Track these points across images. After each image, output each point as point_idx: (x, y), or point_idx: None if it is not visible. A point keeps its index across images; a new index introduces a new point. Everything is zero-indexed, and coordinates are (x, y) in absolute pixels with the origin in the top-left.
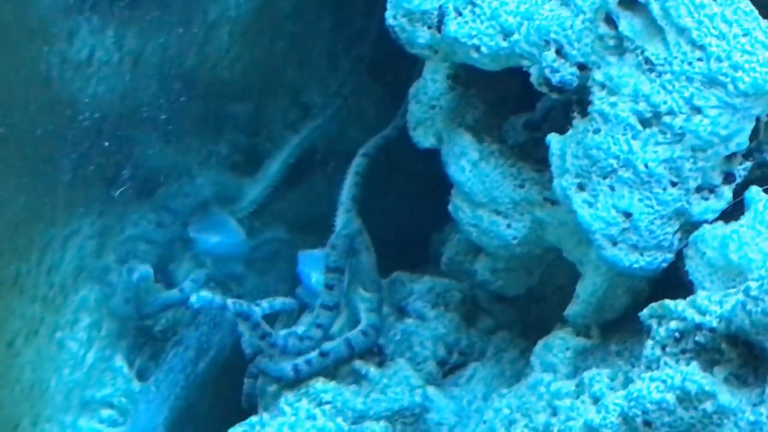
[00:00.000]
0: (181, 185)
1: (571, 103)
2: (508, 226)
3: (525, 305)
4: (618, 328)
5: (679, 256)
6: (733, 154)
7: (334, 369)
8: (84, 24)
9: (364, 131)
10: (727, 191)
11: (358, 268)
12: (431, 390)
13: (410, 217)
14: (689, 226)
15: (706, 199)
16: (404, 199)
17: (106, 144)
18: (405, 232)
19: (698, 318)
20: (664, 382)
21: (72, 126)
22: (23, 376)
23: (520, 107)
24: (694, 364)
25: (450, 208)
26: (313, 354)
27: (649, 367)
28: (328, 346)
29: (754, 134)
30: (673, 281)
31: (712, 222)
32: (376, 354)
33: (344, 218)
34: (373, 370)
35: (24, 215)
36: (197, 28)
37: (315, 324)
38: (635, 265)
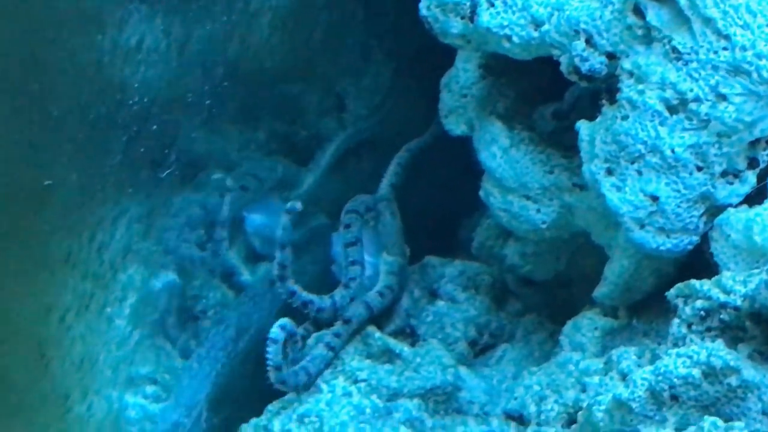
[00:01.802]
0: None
1: (599, 91)
2: (538, 210)
3: (552, 290)
4: (645, 309)
5: (704, 238)
6: (757, 140)
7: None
8: (134, 12)
9: (397, 122)
10: (751, 176)
11: (382, 232)
12: (463, 369)
13: (441, 204)
14: (714, 209)
15: (731, 183)
16: (435, 187)
17: (154, 128)
18: (436, 218)
19: (723, 297)
20: (690, 357)
21: (122, 110)
22: (74, 350)
23: (550, 96)
24: (719, 341)
25: (481, 193)
26: (337, 325)
27: (675, 344)
28: (348, 312)
29: None
30: (697, 264)
31: (736, 206)
32: (409, 334)
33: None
34: (406, 350)
35: (76, 195)
36: (240, 16)
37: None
38: (662, 247)
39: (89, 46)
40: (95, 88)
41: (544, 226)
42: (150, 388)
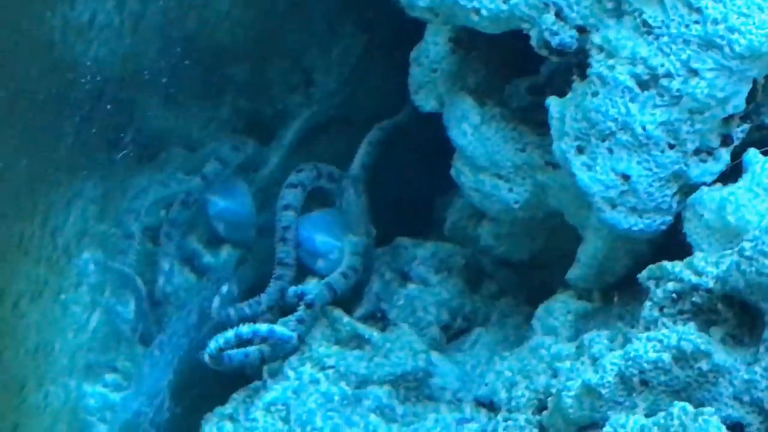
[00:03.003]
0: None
1: (570, 66)
2: (510, 190)
3: (529, 271)
4: (620, 291)
5: (679, 218)
6: (731, 117)
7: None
8: None
9: (368, 97)
10: (725, 153)
11: (347, 211)
12: (435, 355)
13: (417, 182)
14: (687, 188)
15: (704, 161)
16: (409, 164)
17: (108, 107)
18: (410, 197)
19: (695, 279)
20: (660, 341)
21: (74, 89)
22: (28, 338)
23: (523, 70)
24: (691, 324)
25: (452, 172)
26: (300, 310)
27: (647, 328)
28: (310, 295)
29: (752, 96)
30: (674, 245)
31: (710, 184)
32: (380, 319)
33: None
34: (376, 335)
35: (27, 178)
36: None
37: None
38: (634, 228)
39: (38, 24)
40: (45, 68)
41: (516, 205)
42: (110, 376)
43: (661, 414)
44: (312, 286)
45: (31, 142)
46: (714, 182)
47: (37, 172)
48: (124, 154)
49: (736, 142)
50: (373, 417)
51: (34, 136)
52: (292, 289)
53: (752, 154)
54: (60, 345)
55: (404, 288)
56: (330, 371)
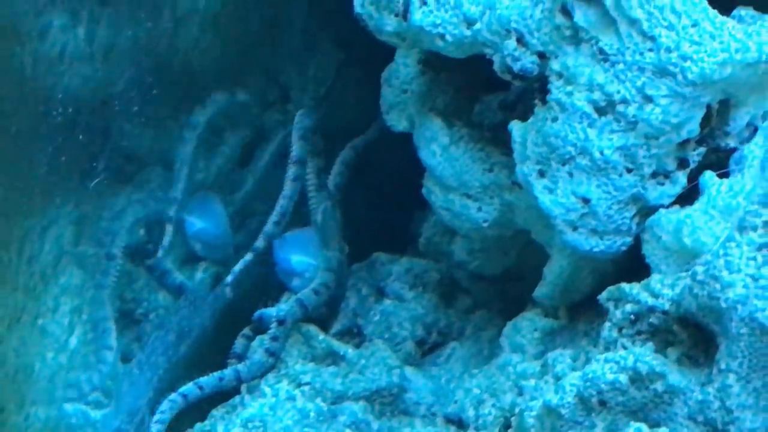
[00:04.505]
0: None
1: (533, 91)
2: (479, 209)
3: (504, 284)
4: (586, 309)
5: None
6: (687, 141)
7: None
8: (55, 22)
9: (345, 113)
10: (682, 176)
11: (322, 228)
12: (409, 370)
13: (395, 198)
14: (646, 210)
15: (662, 184)
16: (389, 180)
17: (80, 137)
18: (390, 213)
19: (651, 300)
20: (617, 363)
21: (46, 121)
22: (7, 362)
23: (492, 91)
24: (648, 345)
25: (423, 191)
26: (273, 327)
27: (607, 348)
28: (281, 311)
29: (707, 121)
30: (638, 264)
31: (668, 206)
32: (356, 334)
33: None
34: (351, 351)
35: (2, 208)
36: (166, 21)
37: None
38: (595, 249)
39: (9, 59)
40: (17, 101)
41: (485, 224)
42: (90, 395)
43: None
44: (283, 304)
45: (4, 173)
46: (672, 204)
47: (12, 201)
48: (99, 181)
49: (693, 165)
50: None
51: (7, 167)
52: (257, 313)
53: (708, 176)
54: (40, 367)
55: (380, 304)
56: (306, 388)
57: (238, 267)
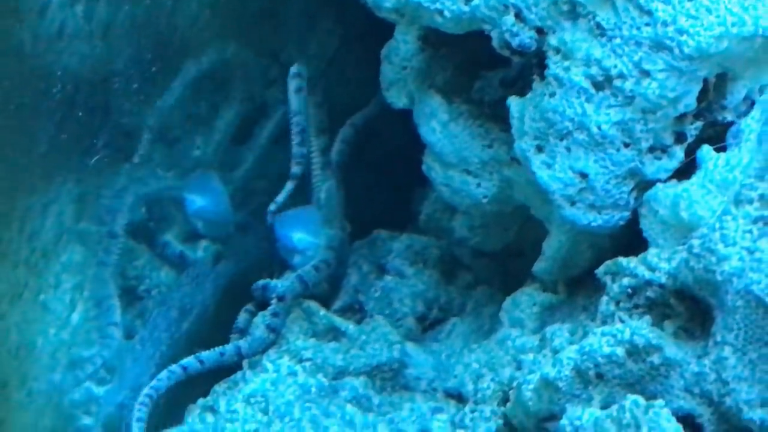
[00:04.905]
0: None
1: (531, 66)
2: (478, 185)
3: (504, 260)
4: (585, 284)
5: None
6: (684, 115)
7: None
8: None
9: (345, 90)
10: (679, 151)
11: (323, 206)
12: (409, 345)
13: (398, 174)
14: (644, 185)
15: (659, 158)
16: (391, 157)
17: (80, 114)
18: (393, 188)
19: (648, 274)
20: (614, 336)
21: (46, 98)
22: (9, 338)
23: (492, 67)
24: (645, 318)
25: (423, 167)
26: (273, 303)
27: (604, 322)
28: (281, 287)
29: (704, 95)
30: (637, 237)
31: (665, 180)
32: (357, 311)
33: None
34: (351, 327)
35: (2, 185)
36: None
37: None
38: (593, 223)
39: (8, 36)
40: (17, 78)
41: (485, 200)
42: (93, 371)
43: (615, 407)
44: (284, 279)
45: (5, 150)
46: (670, 178)
47: (12, 179)
48: (99, 158)
49: (690, 140)
50: (349, 407)
51: (8, 145)
52: (256, 284)
53: (705, 151)
54: (42, 343)
55: (381, 280)
56: (307, 363)
57: (281, 197)
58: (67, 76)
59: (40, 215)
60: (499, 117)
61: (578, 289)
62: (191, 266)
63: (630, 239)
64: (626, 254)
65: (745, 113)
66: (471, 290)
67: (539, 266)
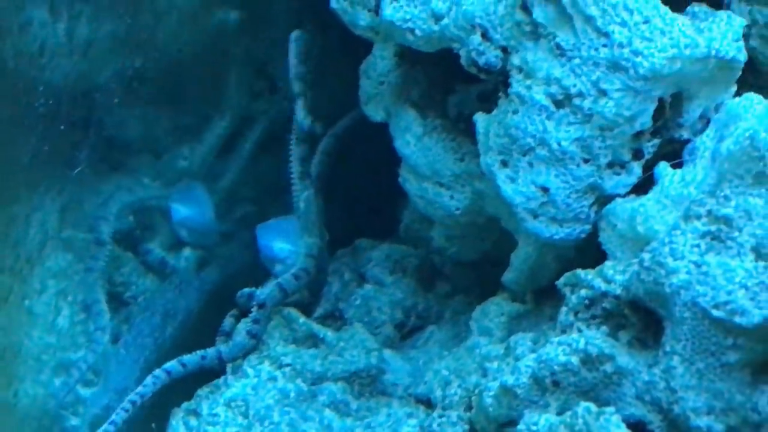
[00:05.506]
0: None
1: (498, 84)
2: (451, 197)
3: (482, 269)
4: (552, 294)
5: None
6: (640, 132)
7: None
8: (36, 17)
9: (330, 103)
10: (637, 167)
11: (303, 214)
12: (387, 352)
13: (383, 185)
14: (604, 199)
15: (618, 174)
16: (377, 167)
17: (62, 127)
18: (377, 199)
19: (605, 286)
20: (569, 345)
21: (28, 112)
22: None
23: (468, 80)
24: (602, 328)
25: (399, 179)
26: (254, 311)
27: (563, 332)
28: (262, 295)
29: (661, 113)
30: (600, 249)
31: (624, 195)
32: (338, 318)
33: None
34: (330, 334)
35: None
36: (146, 16)
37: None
38: (555, 236)
39: None
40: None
41: (458, 212)
42: (79, 373)
43: (568, 413)
44: (265, 287)
45: None
46: (629, 194)
47: None
48: (81, 170)
49: (648, 156)
50: (327, 412)
51: None
52: (241, 292)
53: (662, 167)
54: (27, 345)
55: (361, 288)
56: (287, 369)
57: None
58: (49, 90)
59: (24, 223)
60: (471, 131)
61: (545, 299)
62: (174, 273)
63: (596, 252)
64: (593, 266)
65: (701, 131)
66: (449, 299)
67: (507, 277)
